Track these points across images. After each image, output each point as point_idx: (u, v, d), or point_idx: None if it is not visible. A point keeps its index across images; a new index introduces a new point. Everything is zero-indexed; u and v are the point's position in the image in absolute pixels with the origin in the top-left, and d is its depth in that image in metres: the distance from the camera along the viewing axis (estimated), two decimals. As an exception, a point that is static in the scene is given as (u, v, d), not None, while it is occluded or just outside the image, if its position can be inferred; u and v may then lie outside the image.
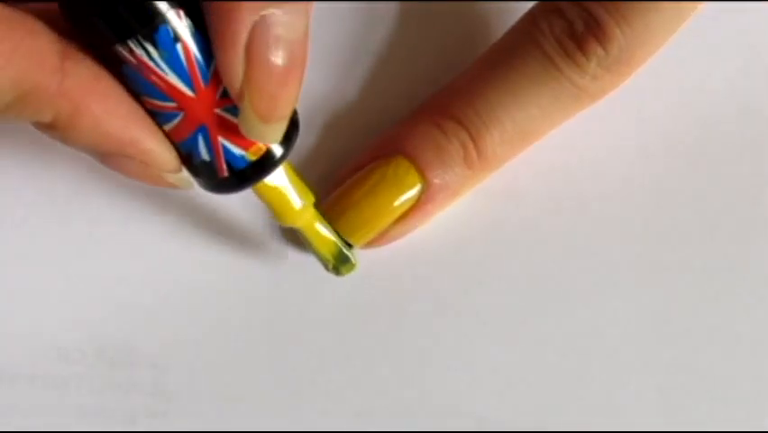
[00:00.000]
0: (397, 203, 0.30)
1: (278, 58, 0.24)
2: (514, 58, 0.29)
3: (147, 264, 0.32)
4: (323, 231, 0.30)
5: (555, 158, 0.32)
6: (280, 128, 0.26)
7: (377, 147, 0.31)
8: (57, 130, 0.25)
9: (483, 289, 0.32)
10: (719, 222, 0.32)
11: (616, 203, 0.32)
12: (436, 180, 0.30)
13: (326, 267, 0.31)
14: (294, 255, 0.32)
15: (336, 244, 0.30)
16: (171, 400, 0.31)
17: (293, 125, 0.27)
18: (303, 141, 0.32)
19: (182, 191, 0.32)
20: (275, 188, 0.28)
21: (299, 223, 0.29)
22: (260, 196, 0.28)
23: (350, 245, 0.31)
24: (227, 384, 0.31)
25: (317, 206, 0.30)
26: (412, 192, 0.30)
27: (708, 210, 0.32)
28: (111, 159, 0.26)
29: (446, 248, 0.32)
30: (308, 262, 0.32)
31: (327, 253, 0.30)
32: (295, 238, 0.31)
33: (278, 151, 0.27)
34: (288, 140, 0.27)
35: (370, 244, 0.31)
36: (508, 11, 0.32)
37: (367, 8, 0.33)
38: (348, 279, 0.31)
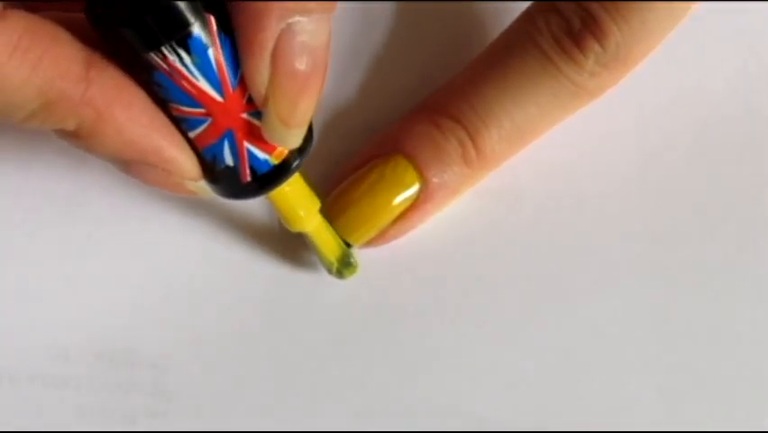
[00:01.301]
0: (395, 202, 0.30)
1: (302, 64, 0.25)
2: (511, 56, 0.29)
3: (147, 265, 0.32)
4: (328, 235, 0.30)
5: (555, 157, 0.32)
6: (301, 132, 0.27)
7: (375, 146, 0.31)
8: (80, 138, 0.25)
9: (483, 288, 0.32)
10: (719, 222, 0.32)
11: (615, 202, 0.32)
12: (435, 179, 0.30)
13: (330, 270, 0.31)
14: (294, 255, 0.32)
15: (341, 248, 0.30)
16: (171, 400, 0.31)
17: (308, 131, 0.27)
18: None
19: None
20: (288, 194, 0.28)
21: (308, 228, 0.29)
22: (273, 202, 0.29)
23: (348, 245, 0.31)
24: (227, 384, 0.31)
25: (321, 210, 0.30)
26: (411, 191, 0.30)
27: (708, 210, 0.32)
28: (133, 167, 0.26)
29: (446, 248, 0.32)
30: (308, 263, 0.32)
31: (332, 256, 0.30)
32: (295, 239, 0.31)
33: (296, 156, 0.27)
34: (304, 145, 0.27)
35: (369, 244, 0.31)
36: (505, 10, 0.32)
37: (364, 8, 0.33)
38: (348, 279, 0.32)
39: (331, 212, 0.30)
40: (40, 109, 0.24)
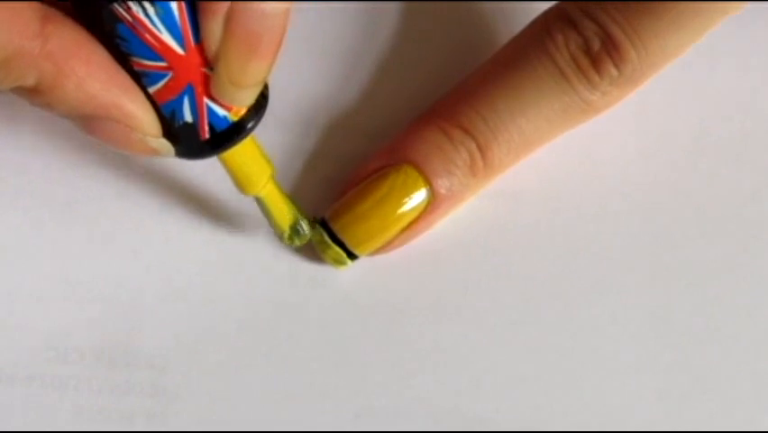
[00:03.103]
0: (404, 214, 0.30)
1: (256, 27, 0.25)
2: (525, 67, 0.29)
3: (145, 265, 0.32)
4: (281, 202, 0.30)
5: (555, 158, 0.32)
6: (253, 93, 0.26)
7: (384, 154, 0.31)
8: (40, 94, 0.25)
9: (483, 289, 0.32)
10: (719, 222, 0.32)
11: (615, 203, 0.32)
12: (442, 190, 0.30)
13: (281, 237, 0.31)
14: (293, 255, 0.32)
15: (292, 217, 0.30)
16: (170, 401, 0.31)
17: (262, 95, 0.27)
18: (304, 142, 0.32)
19: (180, 189, 0.32)
20: (242, 157, 0.28)
21: (262, 192, 0.29)
22: (227, 164, 0.28)
23: (353, 256, 0.31)
24: (227, 384, 0.31)
25: (274, 177, 0.30)
26: (419, 202, 0.30)
27: (708, 210, 0.32)
28: (94, 124, 0.26)
29: (446, 248, 0.32)
30: (308, 263, 0.32)
31: (284, 224, 0.30)
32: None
33: (252, 115, 0.27)
34: (260, 106, 0.27)
35: (374, 253, 0.31)
36: (513, 11, 0.32)
37: (370, 8, 0.33)
38: (348, 278, 0.32)
39: (340, 223, 0.30)
40: None
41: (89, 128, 0.26)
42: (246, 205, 0.32)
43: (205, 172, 0.32)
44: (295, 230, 0.30)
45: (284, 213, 0.30)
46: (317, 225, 0.31)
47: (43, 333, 0.31)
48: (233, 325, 0.32)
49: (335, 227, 0.30)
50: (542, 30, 0.29)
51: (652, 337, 0.32)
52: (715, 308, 0.32)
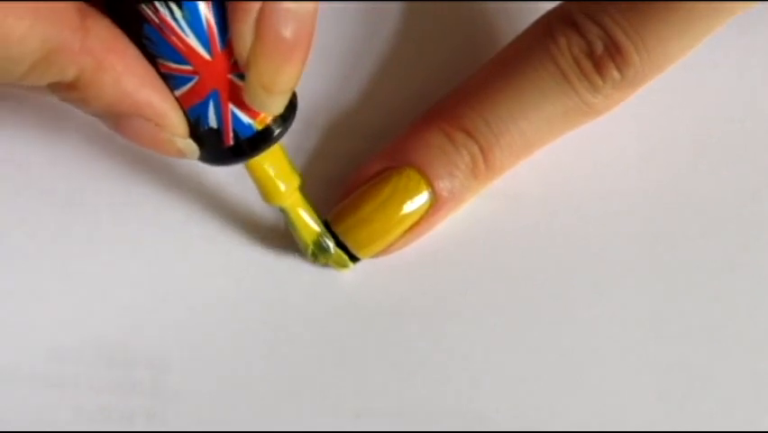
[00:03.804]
0: (407, 217, 0.30)
1: (286, 31, 0.24)
2: (527, 69, 0.29)
3: (146, 264, 0.32)
4: (305, 217, 0.30)
5: (555, 157, 0.32)
6: (283, 100, 0.26)
7: (386, 155, 0.31)
8: (77, 89, 0.25)
9: (483, 289, 0.32)
10: (719, 222, 0.32)
11: (615, 202, 0.32)
12: (444, 193, 0.30)
13: (305, 252, 0.31)
14: (294, 255, 0.32)
15: (317, 233, 0.30)
16: (170, 401, 0.31)
17: (290, 104, 0.27)
18: (305, 142, 0.32)
19: (180, 190, 0.32)
20: (267, 166, 0.28)
21: (286, 203, 0.29)
22: (252, 173, 0.28)
23: (356, 259, 0.31)
24: (227, 384, 0.31)
25: (302, 189, 0.30)
26: (422, 204, 0.30)
27: (708, 210, 0.32)
28: (124, 121, 0.26)
29: (446, 249, 0.32)
30: (310, 264, 0.32)
31: (308, 238, 0.30)
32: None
33: (279, 124, 0.27)
34: (287, 116, 0.27)
35: (376, 256, 0.31)
36: (514, 12, 0.32)
37: (370, 8, 0.33)
38: (348, 278, 0.32)
39: (342, 226, 0.30)
40: (41, 61, 0.24)
41: (118, 126, 0.26)
42: (246, 206, 0.32)
43: (207, 173, 0.32)
44: (319, 246, 0.30)
45: (309, 227, 0.30)
46: None
47: (44, 332, 0.31)
48: (234, 325, 0.32)
49: (338, 231, 0.30)
50: (544, 32, 0.29)
51: (652, 337, 0.32)
52: (715, 308, 0.32)
